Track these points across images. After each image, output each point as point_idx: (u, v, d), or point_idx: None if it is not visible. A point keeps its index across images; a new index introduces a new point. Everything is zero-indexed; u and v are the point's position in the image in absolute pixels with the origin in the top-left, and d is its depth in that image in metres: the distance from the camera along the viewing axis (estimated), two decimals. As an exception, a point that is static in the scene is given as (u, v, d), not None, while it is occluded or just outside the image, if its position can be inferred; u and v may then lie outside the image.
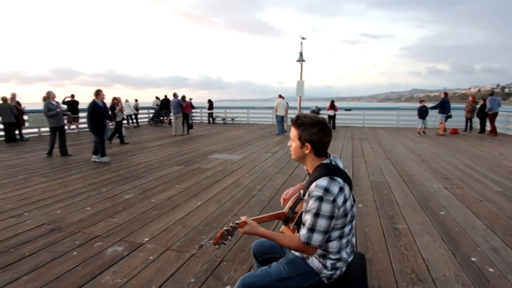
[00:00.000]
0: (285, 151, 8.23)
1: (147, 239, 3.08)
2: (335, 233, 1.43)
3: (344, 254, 1.47)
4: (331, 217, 1.34)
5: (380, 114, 18.54)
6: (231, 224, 1.45)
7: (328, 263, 1.46)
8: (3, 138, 10.35)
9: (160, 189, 4.79)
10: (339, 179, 1.40)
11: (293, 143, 1.51)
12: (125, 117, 15.65)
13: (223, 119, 18.55)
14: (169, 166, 6.42)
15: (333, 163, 1.49)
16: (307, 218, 1.36)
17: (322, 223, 1.34)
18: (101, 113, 6.98)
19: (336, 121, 15.13)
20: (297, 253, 1.56)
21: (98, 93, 6.93)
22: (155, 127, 16.28)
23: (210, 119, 18.69)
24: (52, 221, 3.52)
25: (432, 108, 12.24)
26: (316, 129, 1.43)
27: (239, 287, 1.47)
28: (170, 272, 2.48)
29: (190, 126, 13.24)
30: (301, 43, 15.59)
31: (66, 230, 3.28)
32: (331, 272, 1.47)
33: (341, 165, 1.54)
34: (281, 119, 12.72)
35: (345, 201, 1.39)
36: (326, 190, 1.34)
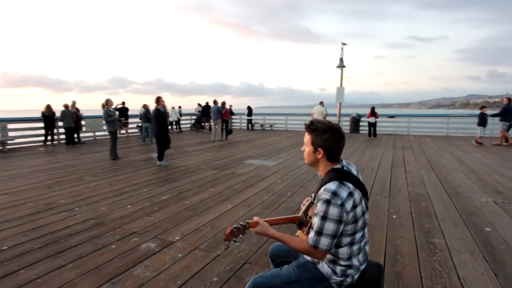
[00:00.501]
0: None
1: (178, 237, 3.26)
2: (346, 239, 1.43)
3: (355, 261, 1.46)
4: (338, 221, 1.35)
5: (428, 122, 17.39)
6: (241, 223, 1.52)
7: (338, 269, 1.46)
8: (64, 141, 11.54)
9: (195, 192, 5.01)
10: (349, 184, 1.41)
11: (306, 148, 1.54)
12: (171, 122, 16.64)
13: (262, 125, 18.75)
14: (205, 170, 6.68)
15: (345, 168, 1.50)
16: (315, 221, 1.38)
17: (329, 226, 1.35)
18: (164, 119, 7.37)
19: (378, 128, 14.51)
20: (308, 258, 1.58)
21: (158, 100, 7.32)
22: (196, 132, 16.98)
23: (249, 125, 19.00)
24: (98, 216, 3.88)
25: (494, 115, 11.15)
26: (329, 134, 1.45)
27: (249, 287, 1.53)
28: (195, 270, 2.61)
29: (229, 132, 13.60)
30: (342, 48, 15.31)
31: (109, 225, 3.59)
32: (341, 279, 1.46)
33: (354, 171, 1.54)
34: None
35: (354, 206, 1.39)
36: (334, 194, 1.35)
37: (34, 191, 5.05)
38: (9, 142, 10.21)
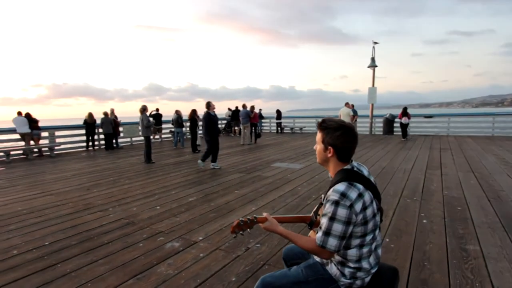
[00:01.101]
0: (350, 161, 7.88)
1: (201, 238, 3.35)
2: (355, 241, 1.40)
3: (365, 264, 1.42)
4: (347, 222, 1.33)
5: (470, 121, 16.24)
6: (248, 217, 1.56)
7: (347, 271, 1.43)
8: (104, 146, 12.33)
9: (221, 194, 5.12)
10: (359, 185, 1.38)
11: (318, 146, 1.53)
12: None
13: (291, 128, 18.65)
14: (232, 173, 6.80)
15: (355, 169, 1.47)
16: (323, 222, 1.37)
17: (337, 227, 1.33)
18: (215, 123, 7.50)
19: (414, 129, 13.83)
20: (317, 259, 1.56)
21: (209, 104, 7.51)
22: (226, 136, 17.28)
23: (279, 128, 18.99)
24: (129, 217, 4.11)
25: None
26: (339, 133, 1.43)
27: (258, 286, 1.54)
28: (215, 269, 2.67)
29: (257, 136, 13.71)
30: (373, 47, 14.85)
31: (138, 225, 3.79)
32: (349, 281, 1.43)
33: (365, 172, 1.51)
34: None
35: (364, 208, 1.36)
36: (343, 195, 1.34)
37: (75, 193, 5.46)
38: (56, 147, 11.12)
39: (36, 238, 3.47)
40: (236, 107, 17.80)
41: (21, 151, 10.34)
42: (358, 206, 1.34)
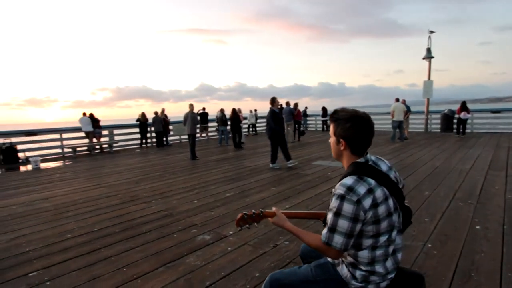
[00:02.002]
0: (398, 159, 7.36)
1: (231, 232, 3.40)
2: (367, 242, 1.29)
3: (379, 268, 1.30)
4: (354, 219, 1.23)
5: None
6: (253, 210, 1.53)
7: (358, 274, 1.33)
8: (155, 144, 13.19)
9: (257, 190, 5.14)
10: (370, 180, 1.27)
11: (331, 139, 1.45)
12: (249, 125, 17.42)
13: (338, 126, 17.98)
14: (271, 170, 6.78)
15: (369, 162, 1.35)
16: (328, 217, 1.29)
17: (343, 224, 1.24)
18: (280, 119, 7.10)
19: (478, 126, 12.41)
20: (329, 258, 1.48)
21: (273, 100, 7.05)
22: (270, 134, 17.29)
23: (324, 126, 18.47)
24: (168, 209, 4.33)
25: None
26: (350, 124, 1.33)
27: (266, 282, 1.51)
28: (240, 263, 2.69)
29: (301, 133, 13.49)
30: (429, 37, 13.66)
31: (175, 217, 3.98)
32: (361, 285, 1.32)
33: (383, 167, 1.38)
34: (398, 125, 11.44)
35: (375, 205, 1.24)
36: (350, 189, 1.24)
37: (125, 185, 5.92)
38: (114, 144, 12.20)
39: (88, 224, 3.84)
40: (280, 105, 17.70)
41: (85, 148, 11.54)
42: (366, 202, 1.23)
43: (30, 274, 2.66)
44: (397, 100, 11.48)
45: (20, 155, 9.93)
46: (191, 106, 9.04)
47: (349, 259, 1.36)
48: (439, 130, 14.11)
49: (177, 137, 14.73)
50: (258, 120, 18.52)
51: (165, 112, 13.51)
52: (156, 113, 12.87)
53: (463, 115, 11.42)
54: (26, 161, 9.69)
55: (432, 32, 13.54)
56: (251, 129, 17.84)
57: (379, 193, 1.26)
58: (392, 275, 1.35)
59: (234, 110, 12.18)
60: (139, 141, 13.16)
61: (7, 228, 3.84)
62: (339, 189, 1.27)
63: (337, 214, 1.25)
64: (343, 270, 1.38)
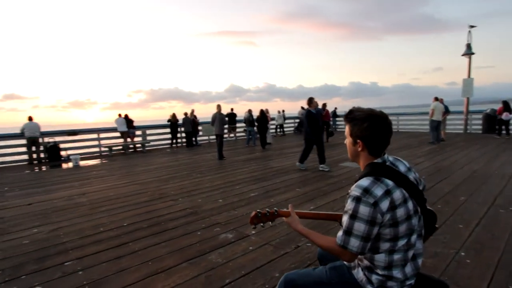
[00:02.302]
0: (432, 162, 6.98)
1: (253, 232, 3.41)
2: (384, 245, 1.24)
3: (397, 273, 1.25)
4: (370, 222, 1.19)
5: None
6: (267, 209, 1.53)
7: (374, 278, 1.28)
8: (185, 144, 13.57)
9: (282, 191, 5.12)
10: (388, 181, 1.22)
11: (347, 140, 1.42)
12: (276, 126, 17.40)
13: (369, 127, 17.41)
14: (297, 171, 6.72)
15: (387, 163, 1.31)
16: (344, 220, 1.26)
17: (359, 226, 1.20)
18: (316, 120, 6.81)
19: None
20: (345, 261, 1.44)
21: (311, 101, 6.81)
22: (299, 135, 17.14)
23: (354, 127, 17.95)
24: (193, 207, 4.45)
25: None
26: (367, 123, 1.29)
27: (281, 281, 1.50)
28: (261, 263, 2.70)
29: (330, 134, 13.23)
30: (469, 32, 12.83)
31: (199, 215, 4.07)
32: None
33: (401, 168, 1.32)
34: (437, 126, 10.85)
35: (393, 207, 1.19)
36: (366, 191, 1.20)
37: (154, 183, 6.16)
38: (146, 144, 12.73)
39: (119, 219, 4.04)
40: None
41: (120, 147, 12.15)
42: (384, 205, 1.19)
43: (66, 263, 2.85)
44: (436, 99, 10.88)
45: (63, 153, 10.67)
46: (219, 107, 9.21)
47: (365, 262, 1.32)
48: (480, 132, 13.19)
49: (206, 137, 15.04)
50: (286, 121, 18.44)
51: (195, 113, 13.86)
52: (186, 114, 13.25)
53: (505, 115, 10.58)
54: (68, 159, 10.39)
55: (472, 26, 12.69)
56: (278, 130, 17.79)
57: (397, 194, 1.21)
58: (411, 281, 1.29)
59: (261, 111, 12.26)
60: (170, 141, 13.61)
61: (48, 220, 4.15)
62: (354, 190, 1.24)
63: (353, 216, 1.22)
64: (359, 274, 1.34)
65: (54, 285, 2.50)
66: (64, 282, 2.53)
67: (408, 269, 1.27)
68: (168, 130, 13.56)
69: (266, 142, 11.65)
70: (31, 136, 10.00)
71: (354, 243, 1.22)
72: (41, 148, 10.37)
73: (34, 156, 10.30)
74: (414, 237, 1.27)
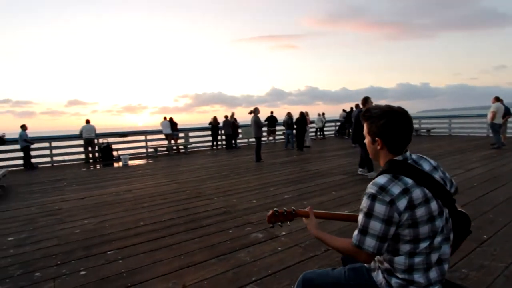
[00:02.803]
0: (488, 168, 6.35)
1: (284, 233, 3.41)
2: (404, 247, 1.18)
3: (418, 277, 1.17)
4: (387, 221, 1.13)
5: None
6: (284, 208, 1.53)
7: (394, 282, 1.22)
8: (225, 146, 13.93)
9: (317, 194, 5.03)
10: (407, 179, 1.16)
11: (366, 139, 1.38)
12: (316, 129, 17.12)
13: (416, 130, 16.34)
14: (334, 175, 6.55)
15: (409, 161, 1.24)
16: (359, 218, 1.22)
17: (375, 226, 1.15)
18: None
19: None
20: (366, 264, 1.39)
21: (366, 100, 6.29)
22: (339, 139, 16.66)
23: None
24: (227, 206, 4.56)
25: None
26: (385, 120, 1.23)
27: (299, 280, 1.49)
28: (288, 264, 2.68)
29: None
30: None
31: (233, 214, 4.16)
32: None
33: (426, 166, 1.24)
34: (498, 128, 9.88)
35: (411, 206, 1.13)
36: (382, 189, 1.15)
37: (194, 183, 6.42)
38: (189, 146, 13.30)
39: (158, 215, 4.29)
40: (351, 108, 16.94)
41: (165, 148, 12.85)
42: (401, 204, 1.13)
43: (108, 252, 3.11)
44: (498, 99, 9.88)
45: (114, 153, 11.58)
46: (255, 110, 9.27)
47: (386, 265, 1.26)
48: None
49: (245, 140, 15.29)
50: (326, 124, 18.02)
51: (236, 116, 14.18)
52: (226, 117, 13.61)
53: None
54: (118, 158, 11.25)
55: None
56: (318, 133, 17.46)
57: (417, 193, 1.15)
58: (436, 287, 1.20)
59: (301, 112, 12.14)
60: (210, 143, 14.07)
61: (97, 213, 4.54)
62: (370, 188, 1.19)
63: (369, 215, 1.17)
64: (378, 277, 1.28)
65: (97, 271, 2.73)
66: (106, 269, 2.75)
67: (433, 274, 1.19)
68: (209, 132, 14.03)
69: (304, 145, 11.50)
70: (88, 137, 11.01)
71: (370, 243, 1.17)
72: (96, 148, 11.37)
73: (90, 155, 11.32)
74: (438, 240, 1.18)
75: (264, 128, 13.88)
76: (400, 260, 1.20)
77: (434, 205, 1.17)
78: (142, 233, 3.60)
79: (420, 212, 1.14)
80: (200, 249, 3.08)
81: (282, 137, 16.22)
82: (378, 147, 1.29)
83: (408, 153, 1.27)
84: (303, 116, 11.95)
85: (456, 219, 1.31)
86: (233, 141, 13.98)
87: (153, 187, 6.17)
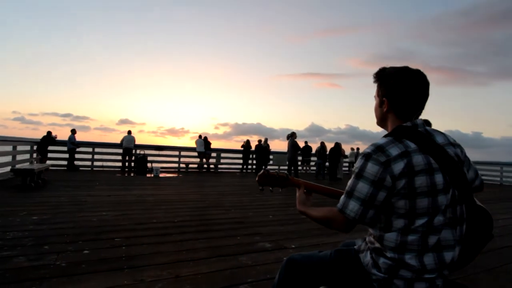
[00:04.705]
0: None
1: (293, 246, 3.21)
2: (398, 222, 1.02)
3: (409, 259, 1.00)
4: (377, 183, 0.99)
5: None
6: (278, 171, 1.44)
7: (382, 262, 1.05)
8: (254, 170, 13.90)
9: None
10: (410, 143, 1.02)
11: (374, 101, 1.24)
12: (349, 163, 16.55)
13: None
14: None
15: (419, 128, 1.08)
16: (349, 180, 1.09)
17: (362, 188, 1.01)
18: None
19: None
20: (355, 246, 1.24)
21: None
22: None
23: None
24: (242, 217, 4.44)
25: None
26: (395, 79, 1.10)
27: (284, 261, 1.36)
28: (290, 272, 2.48)
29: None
30: None
31: (245, 225, 4.03)
32: (383, 276, 1.03)
33: (439, 139, 1.08)
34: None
35: (411, 173, 0.98)
36: (379, 149, 1.02)
37: (215, 196, 6.41)
38: (219, 166, 13.49)
39: (172, 216, 4.30)
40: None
41: (196, 165, 13.15)
42: (397, 167, 0.98)
43: (115, 239, 3.13)
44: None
45: (149, 164, 12.08)
46: (293, 134, 9.28)
47: (375, 244, 1.10)
48: None
49: (276, 167, 15.15)
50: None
51: (271, 147, 14.22)
52: (260, 141, 13.72)
53: None
54: (151, 169, 11.69)
55: None
56: (352, 168, 16.81)
57: (418, 159, 0.99)
58: (432, 276, 1.01)
59: (336, 143, 11.91)
60: (241, 166, 14.14)
61: (116, 208, 4.67)
62: (367, 148, 1.07)
63: (359, 175, 1.04)
64: (366, 258, 1.12)
65: (99, 252, 2.75)
66: (108, 252, 2.76)
67: (429, 259, 1.01)
68: (240, 155, 14.17)
69: (336, 176, 11.10)
70: (127, 146, 11.67)
71: (353, 206, 1.03)
72: (133, 158, 11.97)
73: (126, 164, 11.92)
74: (439, 220, 1.00)
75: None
76: (391, 237, 1.04)
77: (439, 178, 1.00)
78: (151, 229, 3.60)
79: (420, 181, 0.98)
80: (204, 248, 2.99)
81: (314, 168, 15.87)
82: (385, 109, 1.15)
83: (420, 121, 1.12)
84: (338, 146, 11.67)
85: (474, 215, 1.11)
86: (264, 167, 13.91)
87: (175, 195, 6.26)
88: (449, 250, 1.03)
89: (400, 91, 1.10)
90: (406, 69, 1.12)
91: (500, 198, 8.37)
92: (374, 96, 1.22)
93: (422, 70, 1.14)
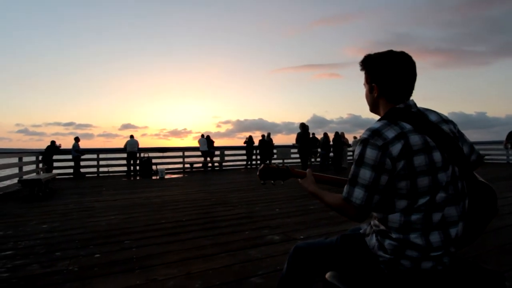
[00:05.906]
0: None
1: (302, 237, 3.23)
2: (400, 203, 1.03)
3: (415, 238, 1.00)
4: (378, 167, 1.00)
5: None
6: (278, 164, 1.44)
7: (387, 243, 1.05)
8: (260, 165, 13.92)
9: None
10: (405, 124, 1.03)
11: (364, 88, 1.26)
12: (353, 152, 16.50)
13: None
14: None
15: (413, 109, 1.09)
16: (351, 168, 1.10)
17: (365, 174, 1.02)
18: None
19: None
20: (361, 230, 1.24)
21: None
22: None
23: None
24: (249, 212, 4.46)
25: None
26: (381, 63, 1.11)
27: (291, 250, 1.37)
28: (300, 263, 2.49)
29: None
30: None
31: (253, 219, 4.05)
32: (390, 257, 1.04)
33: (432, 117, 1.09)
34: None
35: (409, 153, 0.99)
36: (375, 133, 1.03)
37: (221, 193, 6.44)
38: (223, 163, 13.51)
39: (179, 215, 4.34)
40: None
41: (200, 165, 13.18)
42: (395, 148, 0.99)
43: (125, 241, 3.17)
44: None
45: (153, 167, 12.13)
46: (303, 125, 9.31)
47: (380, 226, 1.10)
48: None
49: (280, 161, 15.14)
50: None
51: (275, 142, 14.20)
52: (263, 136, 13.71)
53: None
54: (156, 172, 11.75)
55: None
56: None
57: (415, 139, 1.00)
58: (437, 254, 1.01)
59: (336, 133, 11.88)
60: (245, 162, 14.16)
61: (124, 211, 4.71)
62: (363, 133, 1.08)
63: (359, 162, 1.05)
64: (372, 240, 1.13)
65: (110, 255, 2.78)
66: (118, 254, 2.80)
67: (435, 237, 1.01)
68: (244, 152, 14.17)
69: (341, 166, 11.08)
70: (131, 150, 11.72)
71: (358, 194, 1.04)
72: (137, 161, 12.02)
73: (132, 168, 11.98)
74: (441, 196, 1.01)
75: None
76: (395, 218, 1.04)
77: (437, 156, 1.01)
78: (160, 229, 3.63)
79: (419, 160, 0.99)
80: (212, 245, 3.01)
81: (319, 159, 15.84)
82: (375, 95, 1.16)
83: (412, 102, 1.13)
84: (338, 136, 11.63)
85: (476, 190, 1.12)
86: (268, 161, 13.91)
87: (181, 195, 6.29)
88: (454, 226, 1.03)
89: (388, 74, 1.11)
90: (390, 52, 1.13)
91: (507, 177, 8.32)
92: (364, 84, 1.23)
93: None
